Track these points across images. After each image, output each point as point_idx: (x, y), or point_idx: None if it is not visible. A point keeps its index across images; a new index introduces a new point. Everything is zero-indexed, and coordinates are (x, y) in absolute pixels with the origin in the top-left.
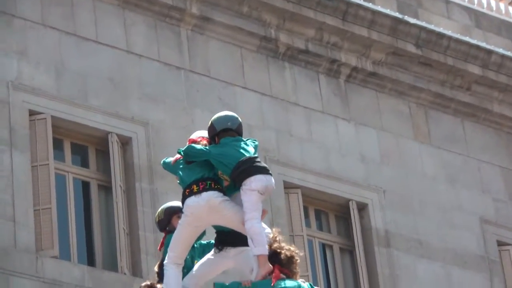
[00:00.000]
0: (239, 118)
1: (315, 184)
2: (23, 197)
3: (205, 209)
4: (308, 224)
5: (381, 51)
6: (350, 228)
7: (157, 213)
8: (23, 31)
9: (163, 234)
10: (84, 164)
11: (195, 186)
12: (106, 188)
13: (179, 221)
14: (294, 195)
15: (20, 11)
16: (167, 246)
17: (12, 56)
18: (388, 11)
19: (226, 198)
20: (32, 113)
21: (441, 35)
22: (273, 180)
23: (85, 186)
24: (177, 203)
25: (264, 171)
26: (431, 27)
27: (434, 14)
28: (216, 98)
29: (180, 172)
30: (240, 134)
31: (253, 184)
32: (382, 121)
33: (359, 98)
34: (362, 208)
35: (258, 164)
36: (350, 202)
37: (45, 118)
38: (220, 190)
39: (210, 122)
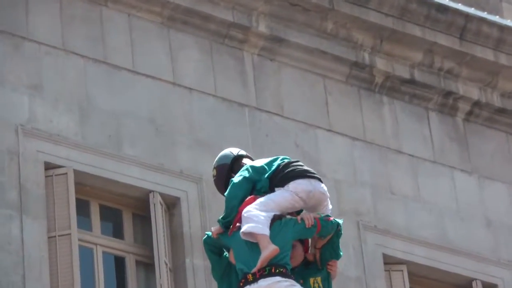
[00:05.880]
0: None
1: (425, 258)
2: (36, 278)
3: None
4: None
5: None
6: None
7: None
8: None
9: None
10: (117, 234)
11: (250, 275)
12: (146, 266)
13: None
14: (398, 272)
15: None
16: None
17: (22, 92)
18: None
19: (292, 283)
20: (48, 166)
21: None
22: (321, 186)
23: (119, 262)
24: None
25: (306, 174)
26: None
27: None
28: (291, 144)
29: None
30: None
31: (291, 186)
32: None
33: (483, 143)
34: None
35: (299, 167)
36: (474, 283)
37: (66, 173)
38: (283, 274)
39: (214, 169)
